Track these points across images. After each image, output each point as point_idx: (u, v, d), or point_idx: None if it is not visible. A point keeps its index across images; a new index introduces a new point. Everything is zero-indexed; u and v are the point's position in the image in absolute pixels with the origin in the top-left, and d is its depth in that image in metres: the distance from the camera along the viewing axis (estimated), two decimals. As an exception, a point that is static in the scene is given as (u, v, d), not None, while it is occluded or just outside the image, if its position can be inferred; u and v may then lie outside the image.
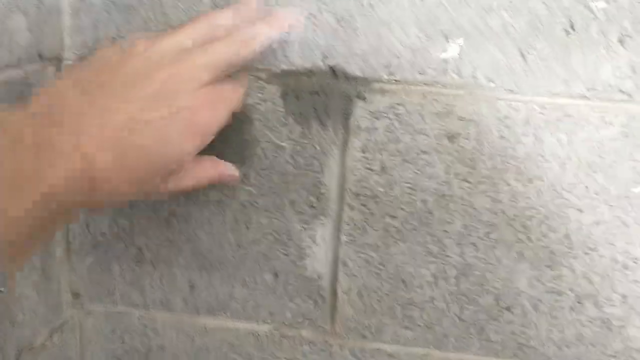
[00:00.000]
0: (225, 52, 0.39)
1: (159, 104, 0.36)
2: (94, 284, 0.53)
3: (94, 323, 0.54)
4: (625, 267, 0.45)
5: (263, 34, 0.41)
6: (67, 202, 0.32)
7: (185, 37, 0.39)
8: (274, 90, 0.46)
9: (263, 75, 0.45)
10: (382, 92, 0.45)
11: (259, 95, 0.46)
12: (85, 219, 0.51)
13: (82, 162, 0.32)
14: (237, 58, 0.40)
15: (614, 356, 0.48)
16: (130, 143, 0.34)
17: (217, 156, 0.44)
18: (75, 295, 0.53)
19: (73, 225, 0.51)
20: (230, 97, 0.41)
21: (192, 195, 0.49)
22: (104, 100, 0.34)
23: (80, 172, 0.32)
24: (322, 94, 0.45)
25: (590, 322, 0.47)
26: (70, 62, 0.48)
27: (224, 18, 0.41)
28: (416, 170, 0.46)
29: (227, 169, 0.45)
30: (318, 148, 0.47)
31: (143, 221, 0.50)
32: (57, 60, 0.47)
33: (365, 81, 0.45)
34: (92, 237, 0.51)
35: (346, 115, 0.46)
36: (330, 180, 0.47)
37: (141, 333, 0.54)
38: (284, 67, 0.45)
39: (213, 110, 0.39)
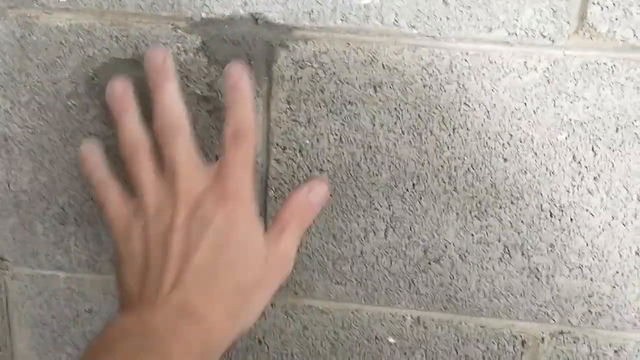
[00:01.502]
0: None
1: None
2: (17, 246, 0.51)
3: (20, 287, 0.52)
4: (552, 215, 0.45)
5: None
6: None
7: None
8: (194, 40, 0.44)
9: (182, 24, 0.44)
10: (305, 40, 0.44)
11: (179, 45, 0.45)
12: (5, 176, 0.49)
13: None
14: None
15: (544, 306, 0.48)
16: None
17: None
18: (0, 258, 0.52)
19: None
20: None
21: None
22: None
23: None
24: (244, 43, 0.44)
25: (519, 272, 0.47)
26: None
27: None
28: (342, 122, 0.45)
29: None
30: (242, 100, 0.45)
31: (64, 178, 0.49)
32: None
33: (287, 29, 0.44)
34: (14, 194, 0.50)
35: (269, 65, 0.44)
36: (256, 133, 0.46)
37: (68, 297, 0.52)
38: (204, 15, 0.44)
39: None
